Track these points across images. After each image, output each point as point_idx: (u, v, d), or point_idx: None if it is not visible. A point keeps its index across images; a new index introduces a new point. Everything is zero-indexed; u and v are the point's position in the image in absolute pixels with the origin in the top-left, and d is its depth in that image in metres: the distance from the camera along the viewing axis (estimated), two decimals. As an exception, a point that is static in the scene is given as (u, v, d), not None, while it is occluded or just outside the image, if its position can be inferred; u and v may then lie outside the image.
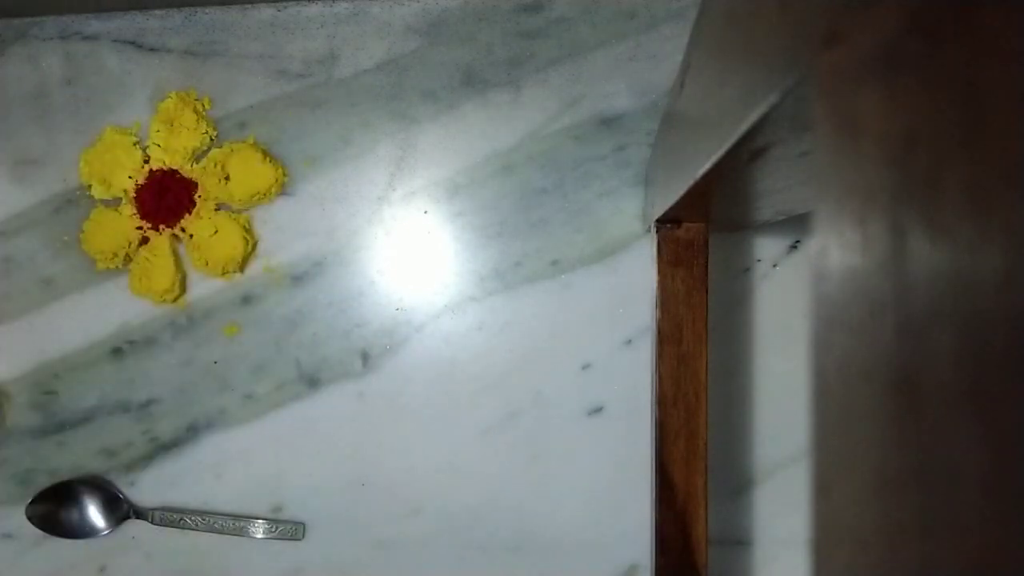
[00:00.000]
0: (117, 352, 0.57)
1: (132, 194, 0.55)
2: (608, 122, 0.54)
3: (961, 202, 0.09)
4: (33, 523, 0.56)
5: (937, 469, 0.10)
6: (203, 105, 0.56)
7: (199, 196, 0.55)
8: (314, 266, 0.56)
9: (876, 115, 0.12)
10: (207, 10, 0.56)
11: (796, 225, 0.53)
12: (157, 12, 0.56)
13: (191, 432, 0.57)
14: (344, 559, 0.56)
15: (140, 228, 0.56)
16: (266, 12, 0.55)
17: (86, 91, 0.56)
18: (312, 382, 0.56)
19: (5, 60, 0.57)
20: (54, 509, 0.56)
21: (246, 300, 0.56)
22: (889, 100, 0.12)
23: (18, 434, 0.57)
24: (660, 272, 0.45)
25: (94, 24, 0.56)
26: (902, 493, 0.11)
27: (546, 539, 0.55)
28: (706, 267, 0.44)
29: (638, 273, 0.54)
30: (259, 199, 0.55)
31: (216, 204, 0.55)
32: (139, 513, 0.56)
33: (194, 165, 0.55)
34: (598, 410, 0.54)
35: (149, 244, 0.56)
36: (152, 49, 0.56)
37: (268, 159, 0.55)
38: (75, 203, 0.57)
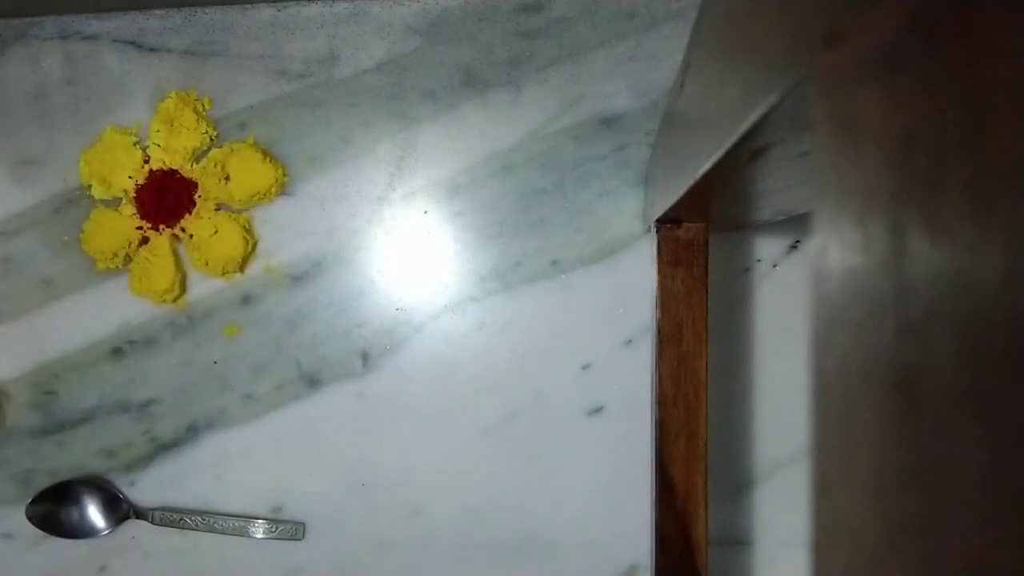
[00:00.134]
0: (117, 352, 0.57)
1: (132, 194, 0.55)
2: (608, 122, 0.54)
3: (961, 202, 0.09)
4: (33, 523, 0.56)
5: (937, 469, 0.10)
6: (203, 105, 0.56)
7: (199, 196, 0.55)
8: (314, 266, 0.56)
9: (876, 115, 0.12)
10: (207, 10, 0.56)
11: (796, 225, 0.53)
12: (157, 12, 0.56)
13: (191, 432, 0.57)
14: (344, 559, 0.56)
15: (140, 228, 0.56)
16: (266, 12, 0.55)
17: (86, 91, 0.56)
18: (312, 382, 0.56)
19: (5, 60, 0.57)
20: (54, 509, 0.56)
21: (246, 300, 0.56)
22: (889, 100, 0.12)
23: (18, 434, 0.57)
24: (660, 272, 0.45)
25: (94, 24, 0.56)
26: (902, 493, 0.11)
27: (546, 539, 0.55)
28: (706, 267, 0.44)
29: (638, 273, 0.54)
30: (259, 199, 0.55)
31: (216, 204, 0.55)
32: (139, 513, 0.56)
33: (194, 165, 0.55)
34: (598, 410, 0.54)
35: (149, 244, 0.56)
36: (152, 49, 0.56)
37: (268, 159, 0.55)
38: (75, 203, 0.57)
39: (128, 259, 0.56)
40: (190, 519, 0.55)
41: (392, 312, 0.56)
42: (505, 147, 0.55)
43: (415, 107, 0.55)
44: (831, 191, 0.13)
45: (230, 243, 0.55)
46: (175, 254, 0.56)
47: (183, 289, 0.56)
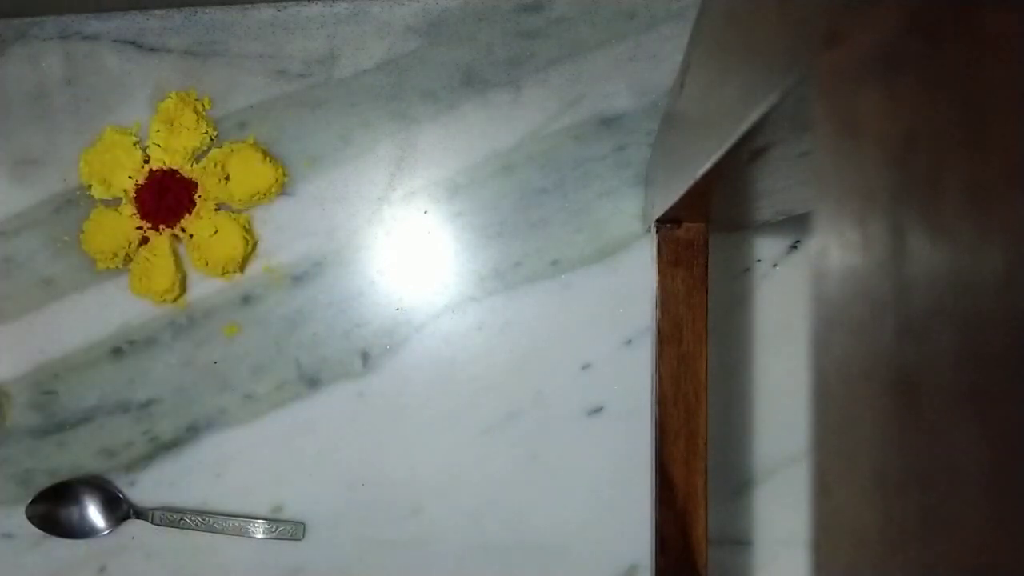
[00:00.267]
0: (117, 352, 0.57)
1: (132, 194, 0.55)
2: (608, 122, 0.54)
3: (961, 202, 0.09)
4: (33, 523, 0.56)
5: (937, 469, 0.10)
6: (203, 105, 0.56)
7: (199, 196, 0.55)
8: (314, 266, 0.56)
9: (876, 115, 0.12)
10: (207, 10, 0.56)
11: (796, 225, 0.53)
12: (157, 12, 0.56)
13: (191, 432, 0.57)
14: (344, 559, 0.56)
15: (140, 228, 0.56)
16: (266, 12, 0.55)
17: (86, 91, 0.56)
18: (312, 382, 0.56)
19: (5, 60, 0.57)
20: (54, 509, 0.56)
21: (246, 300, 0.56)
22: (889, 100, 0.12)
23: (18, 434, 0.57)
24: (660, 272, 0.45)
25: (94, 24, 0.56)
26: (902, 493, 0.11)
27: (546, 539, 0.55)
28: (706, 267, 0.44)
29: (638, 273, 0.54)
30: (259, 199, 0.55)
31: (216, 204, 0.55)
32: (139, 513, 0.56)
33: (194, 165, 0.55)
34: (598, 410, 0.54)
35: (149, 244, 0.56)
36: (152, 49, 0.56)
37: (268, 159, 0.55)
38: (75, 203, 0.57)
39: (128, 259, 0.56)
40: (190, 519, 0.55)
41: (392, 312, 0.56)
42: (505, 147, 0.55)
43: (415, 107, 0.55)
44: (831, 191, 0.13)
45: (230, 243, 0.55)
46: (175, 254, 0.56)
47: (183, 289, 0.56)
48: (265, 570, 0.56)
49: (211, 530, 0.55)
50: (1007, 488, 0.08)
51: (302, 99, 0.56)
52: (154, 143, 0.55)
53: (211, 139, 0.56)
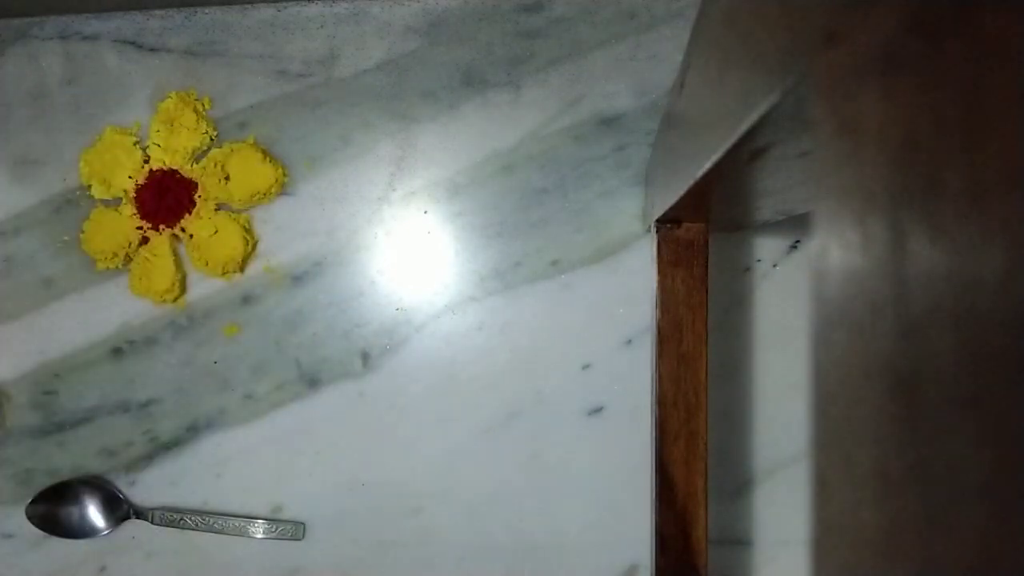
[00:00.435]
0: (117, 352, 0.57)
1: (132, 194, 0.55)
2: (608, 122, 0.54)
3: (961, 202, 0.09)
4: (33, 523, 0.56)
5: (937, 469, 0.10)
6: (203, 105, 0.56)
7: (199, 196, 0.55)
8: (314, 266, 0.56)
9: (876, 115, 0.12)
10: (207, 10, 0.56)
11: (796, 225, 0.53)
12: (157, 12, 0.56)
13: (191, 432, 0.57)
14: (344, 559, 0.56)
15: (140, 228, 0.56)
16: (266, 12, 0.55)
17: (86, 91, 0.56)
18: (312, 382, 0.56)
19: (5, 60, 0.57)
20: (54, 509, 0.56)
21: (246, 300, 0.56)
22: (889, 100, 0.12)
23: (18, 434, 0.57)
24: (660, 272, 0.45)
25: (94, 24, 0.56)
26: (902, 493, 0.11)
27: (546, 539, 0.55)
28: (706, 267, 0.44)
29: (638, 273, 0.54)
30: (259, 199, 0.55)
31: (216, 204, 0.55)
32: (139, 513, 0.56)
33: (194, 165, 0.55)
34: (598, 410, 0.54)
35: (149, 244, 0.56)
36: (152, 49, 0.56)
37: (268, 159, 0.55)
38: (75, 203, 0.57)
39: (128, 259, 0.56)
40: (190, 519, 0.55)
41: (392, 312, 0.56)
42: (505, 147, 0.55)
43: (415, 107, 0.55)
44: (831, 191, 0.13)
45: (230, 243, 0.55)
46: (175, 254, 0.56)
47: (183, 289, 0.56)
48: (265, 570, 0.56)
49: (211, 530, 0.55)
50: (1007, 488, 0.08)
51: (302, 99, 0.56)
52: (154, 143, 0.55)
53: (211, 139, 0.56)
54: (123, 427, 0.57)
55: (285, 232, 0.56)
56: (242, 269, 0.56)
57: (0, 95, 0.57)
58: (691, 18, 0.52)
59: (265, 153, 0.55)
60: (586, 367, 0.55)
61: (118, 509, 0.56)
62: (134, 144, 0.56)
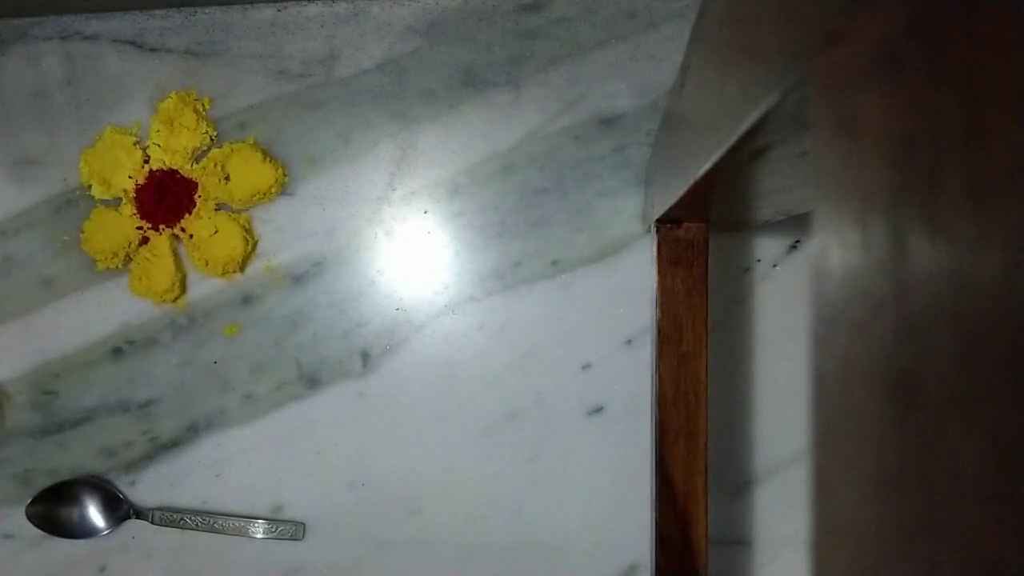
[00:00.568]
0: (117, 352, 0.57)
1: (132, 194, 0.55)
2: (608, 122, 0.54)
3: (961, 202, 0.09)
4: (33, 523, 0.56)
5: (937, 469, 0.10)
6: (203, 105, 0.56)
7: (199, 196, 0.55)
8: (314, 266, 0.56)
9: (876, 115, 0.12)
10: (207, 10, 0.56)
11: (796, 225, 0.53)
12: (157, 12, 0.56)
13: (191, 432, 0.57)
14: (344, 559, 0.56)
15: (140, 228, 0.56)
16: (266, 12, 0.55)
17: (86, 91, 0.56)
18: (312, 382, 0.56)
19: (5, 60, 0.57)
20: (54, 509, 0.56)
21: (246, 300, 0.56)
22: (889, 100, 0.12)
23: (18, 434, 0.57)
24: (660, 272, 0.45)
25: (94, 24, 0.56)
26: (902, 493, 0.11)
27: (546, 539, 0.55)
28: (706, 267, 0.44)
29: (638, 273, 0.54)
30: (259, 199, 0.55)
31: (216, 204, 0.55)
32: (139, 513, 0.56)
33: (194, 165, 0.55)
34: (598, 410, 0.54)
35: (149, 244, 0.56)
36: (152, 49, 0.56)
37: (268, 159, 0.55)
38: (75, 203, 0.57)
39: (128, 259, 0.56)
40: (190, 519, 0.55)
41: (392, 312, 0.56)
42: (505, 147, 0.55)
43: (415, 107, 0.55)
44: (831, 191, 0.13)
45: (230, 243, 0.55)
46: (175, 254, 0.56)
47: (183, 289, 0.56)
48: (265, 570, 0.56)
49: (211, 530, 0.55)
50: (1006, 488, 0.08)
51: (302, 99, 0.56)
52: (154, 143, 0.55)
53: (211, 139, 0.56)
54: (123, 427, 0.57)
55: (285, 232, 0.56)
56: (242, 269, 0.56)
57: (0, 95, 0.57)
58: (691, 18, 0.52)
59: (265, 153, 0.55)
60: (586, 367, 0.55)
61: (118, 509, 0.56)
62: (134, 144, 0.56)
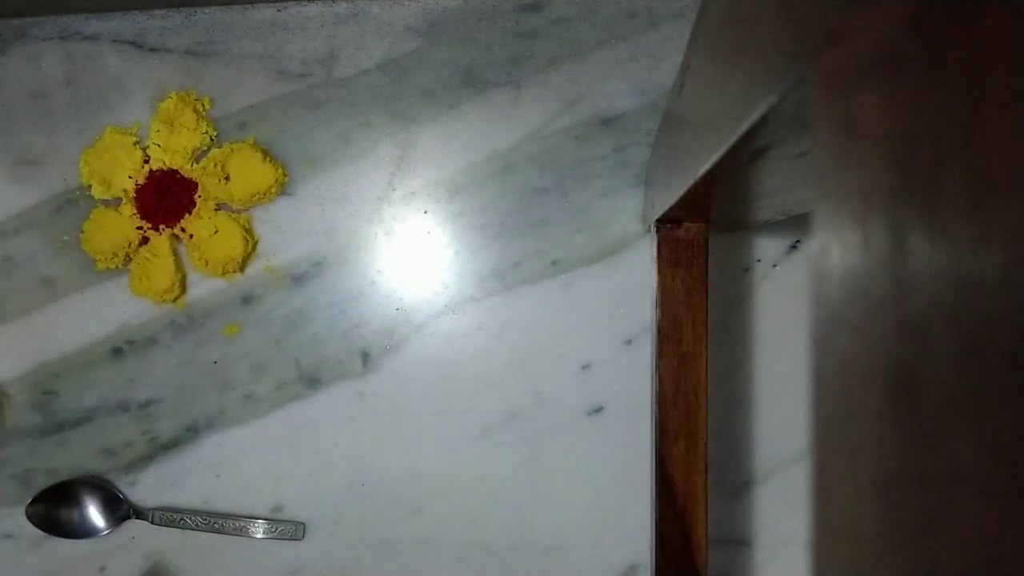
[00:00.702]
0: (117, 352, 0.57)
1: (132, 194, 0.55)
2: (608, 122, 0.54)
3: (961, 202, 0.09)
4: (33, 523, 0.56)
5: (936, 469, 0.10)
6: (203, 105, 0.56)
7: (199, 196, 0.55)
8: (314, 266, 0.56)
9: (876, 115, 0.12)
10: (207, 10, 0.56)
11: (796, 225, 0.53)
12: (157, 12, 0.56)
13: (191, 432, 0.57)
14: (344, 559, 0.56)
15: (140, 228, 0.56)
16: (266, 12, 0.55)
17: (86, 91, 0.56)
18: (312, 382, 0.56)
19: (5, 60, 0.57)
20: (54, 509, 0.56)
21: (246, 300, 0.56)
22: (889, 100, 0.12)
23: (18, 434, 0.57)
24: (660, 272, 0.45)
25: (94, 24, 0.56)
26: (902, 493, 0.11)
27: (546, 539, 0.55)
28: (706, 267, 0.44)
29: (638, 273, 0.54)
30: (259, 199, 0.55)
31: (216, 204, 0.55)
32: (139, 513, 0.56)
33: (194, 165, 0.55)
34: (598, 410, 0.54)
35: (149, 244, 0.56)
36: (152, 49, 0.56)
37: (268, 159, 0.55)
38: (75, 203, 0.57)
39: (128, 259, 0.56)
40: (190, 519, 0.55)
41: (392, 312, 0.56)
42: (505, 147, 0.55)
43: (415, 107, 0.55)
44: (831, 191, 0.13)
45: (230, 243, 0.55)
46: (175, 254, 0.56)
47: (183, 289, 0.56)
48: (265, 570, 0.56)
49: (211, 530, 0.55)
50: (1006, 488, 0.08)
51: (302, 99, 0.56)
52: (154, 143, 0.55)
53: (211, 139, 0.56)
54: (123, 427, 0.57)
55: (285, 232, 0.56)
56: (242, 269, 0.56)
57: (0, 95, 0.57)
58: (691, 18, 0.52)
59: (265, 153, 0.55)
60: (586, 367, 0.55)
61: (118, 509, 0.56)
62: (134, 144, 0.56)
